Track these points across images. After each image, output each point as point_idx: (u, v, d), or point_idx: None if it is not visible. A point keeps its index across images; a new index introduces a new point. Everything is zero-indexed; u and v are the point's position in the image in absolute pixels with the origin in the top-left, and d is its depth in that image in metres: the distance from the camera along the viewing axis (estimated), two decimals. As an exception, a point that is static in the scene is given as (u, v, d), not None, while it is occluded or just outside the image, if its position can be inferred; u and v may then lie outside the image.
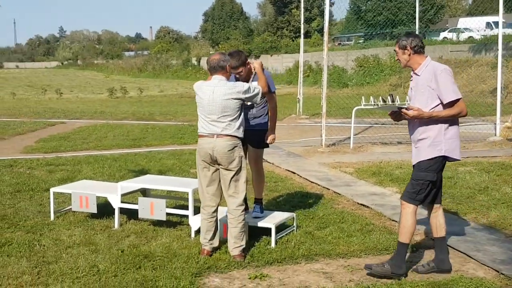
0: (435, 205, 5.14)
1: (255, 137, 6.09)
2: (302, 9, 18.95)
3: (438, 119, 4.86)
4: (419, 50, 4.99)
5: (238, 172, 5.38)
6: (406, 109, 4.93)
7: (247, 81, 5.83)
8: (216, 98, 5.34)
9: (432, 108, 4.87)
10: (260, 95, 5.55)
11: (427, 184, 4.89)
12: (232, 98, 5.32)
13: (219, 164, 5.37)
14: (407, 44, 5.00)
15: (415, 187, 4.93)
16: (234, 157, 5.35)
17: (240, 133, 5.42)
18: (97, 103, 26.42)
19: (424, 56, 5.02)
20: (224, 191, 5.46)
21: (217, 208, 5.54)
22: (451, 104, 4.82)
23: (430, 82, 4.88)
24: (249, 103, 5.72)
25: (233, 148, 5.33)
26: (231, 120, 5.34)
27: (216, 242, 5.55)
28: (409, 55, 5.01)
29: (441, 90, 4.83)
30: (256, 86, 5.53)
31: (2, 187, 8.28)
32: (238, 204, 5.40)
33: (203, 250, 5.49)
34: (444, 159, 4.94)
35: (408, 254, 5.17)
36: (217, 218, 5.57)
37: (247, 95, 5.41)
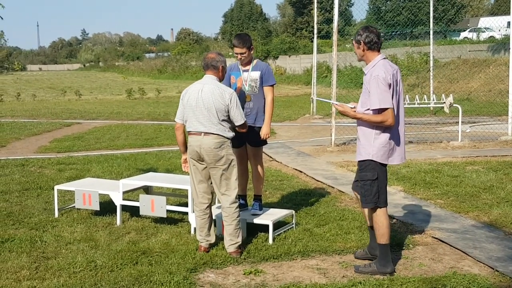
0: None
1: (253, 135, 6.12)
2: (316, 12, 18.94)
3: (369, 123, 4.88)
4: (372, 46, 4.94)
5: (226, 169, 5.39)
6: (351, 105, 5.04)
7: (249, 64, 6.07)
8: (203, 96, 5.36)
9: (366, 110, 4.89)
10: (238, 124, 5.47)
11: (370, 183, 4.91)
12: (220, 102, 5.34)
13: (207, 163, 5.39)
14: (361, 39, 4.97)
15: (362, 189, 4.99)
16: (221, 155, 5.34)
17: (228, 134, 5.42)
18: (115, 104, 26.66)
19: (376, 54, 4.96)
20: (216, 190, 5.50)
21: (209, 205, 5.59)
22: (379, 111, 4.80)
23: (368, 85, 4.88)
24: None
25: (220, 146, 5.34)
26: (220, 121, 5.34)
27: (212, 238, 5.60)
28: (363, 50, 4.99)
29: (370, 96, 4.85)
30: (241, 118, 5.45)
31: (12, 185, 8.44)
32: (231, 202, 5.43)
33: (200, 246, 5.54)
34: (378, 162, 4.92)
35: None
36: (211, 215, 5.62)
37: (230, 113, 5.39)
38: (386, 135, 4.88)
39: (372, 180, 4.91)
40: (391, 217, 6.64)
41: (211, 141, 5.33)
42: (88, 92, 35.89)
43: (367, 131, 4.91)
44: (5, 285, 4.70)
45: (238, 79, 6.13)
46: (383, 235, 4.94)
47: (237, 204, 5.49)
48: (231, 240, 5.43)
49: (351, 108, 4.99)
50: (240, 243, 5.47)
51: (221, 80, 5.57)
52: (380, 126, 4.86)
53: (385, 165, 4.99)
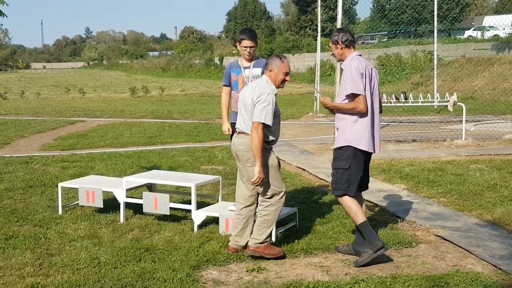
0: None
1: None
2: (319, 10, 18.92)
3: (343, 110, 5.19)
4: (349, 44, 5.30)
5: (254, 172, 5.12)
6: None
7: (250, 61, 6.13)
8: (243, 92, 5.29)
9: (343, 100, 5.19)
10: (253, 120, 5.10)
11: (342, 172, 5.17)
12: (250, 98, 5.16)
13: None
14: (338, 39, 5.31)
15: (333, 177, 5.29)
16: (248, 156, 5.18)
17: None
18: (118, 102, 26.72)
19: (352, 50, 5.32)
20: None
21: (247, 207, 5.40)
22: (352, 97, 5.12)
23: (344, 76, 5.23)
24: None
25: (249, 146, 5.13)
26: (250, 118, 5.14)
27: (241, 241, 5.39)
28: (341, 49, 5.32)
29: (343, 84, 5.19)
30: (260, 116, 5.03)
31: (16, 183, 8.47)
32: (261, 201, 5.29)
33: (228, 245, 5.45)
34: (358, 150, 5.16)
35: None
36: (248, 217, 5.41)
37: (254, 109, 5.07)
38: (363, 122, 5.15)
39: (344, 169, 5.16)
40: (395, 216, 6.66)
41: (239, 140, 5.24)
42: (92, 90, 35.97)
43: (345, 119, 5.19)
44: (9, 282, 4.71)
45: (239, 76, 6.14)
46: (356, 215, 5.17)
47: (267, 203, 5.25)
48: (252, 235, 5.29)
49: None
50: (260, 241, 5.21)
51: (275, 83, 5.27)
52: (355, 114, 5.14)
53: (362, 155, 5.21)
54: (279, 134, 5.40)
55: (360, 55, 5.30)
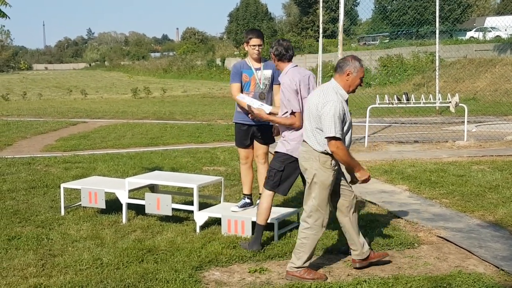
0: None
1: (261, 133, 6.16)
2: (321, 11, 18.91)
3: (281, 125, 5.48)
4: (282, 58, 5.50)
5: (309, 184, 4.89)
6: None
7: (259, 61, 6.17)
8: (309, 98, 4.95)
9: (284, 114, 5.40)
10: (325, 135, 4.69)
11: (275, 172, 5.43)
12: (315, 105, 4.76)
13: None
14: (271, 51, 5.53)
15: (269, 173, 5.55)
16: (305, 166, 4.89)
17: (318, 147, 4.77)
18: (120, 103, 26.74)
19: (287, 63, 5.50)
20: None
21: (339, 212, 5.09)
22: (292, 113, 5.33)
23: (280, 93, 5.49)
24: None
25: (307, 157, 4.85)
26: (313, 128, 4.79)
27: (356, 248, 5.03)
28: (275, 61, 5.57)
29: (280, 98, 5.45)
30: (330, 130, 4.61)
31: (18, 184, 8.49)
32: (303, 218, 4.94)
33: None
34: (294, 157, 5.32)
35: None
36: (346, 225, 5.06)
37: (321, 120, 4.69)
38: (298, 132, 5.33)
39: (278, 170, 5.43)
40: (397, 217, 6.66)
41: (301, 149, 4.97)
42: (94, 91, 36.02)
43: (286, 129, 5.45)
44: (12, 282, 4.73)
45: (252, 77, 6.14)
46: (260, 215, 5.50)
47: (307, 225, 4.88)
48: (291, 259, 4.93)
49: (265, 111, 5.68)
50: (296, 266, 4.83)
51: (345, 88, 4.83)
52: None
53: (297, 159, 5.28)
54: (351, 142, 5.00)
55: (296, 66, 5.50)
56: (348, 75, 4.78)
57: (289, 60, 5.52)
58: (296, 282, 4.74)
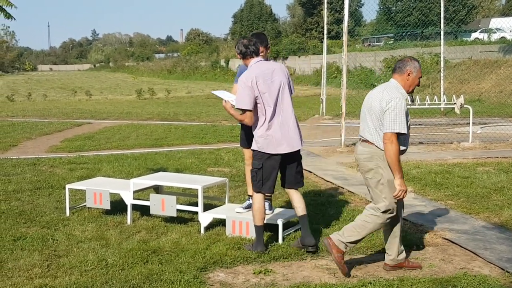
0: (288, 190, 5.69)
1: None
2: (326, 12, 18.92)
3: (236, 119, 5.58)
4: (244, 55, 5.54)
5: (373, 185, 4.88)
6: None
7: None
8: (369, 96, 4.89)
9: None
10: (384, 130, 4.69)
11: (256, 171, 5.47)
12: (377, 102, 4.75)
13: None
14: (236, 50, 5.61)
15: (251, 173, 5.56)
16: (369, 167, 4.84)
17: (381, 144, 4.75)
18: (125, 104, 26.78)
19: (250, 59, 5.52)
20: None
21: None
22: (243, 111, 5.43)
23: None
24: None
25: (370, 157, 4.82)
26: (375, 126, 4.76)
27: (391, 253, 5.04)
28: (240, 58, 5.64)
29: None
30: (392, 126, 4.63)
31: (23, 184, 8.51)
32: (372, 207, 4.92)
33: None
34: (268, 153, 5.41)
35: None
36: (391, 229, 5.06)
37: (384, 117, 4.68)
38: (263, 129, 5.39)
39: (257, 168, 5.46)
40: (402, 218, 6.63)
41: (362, 149, 4.89)
42: (98, 92, 36.07)
43: (255, 126, 5.49)
44: (17, 283, 4.74)
45: None
46: (254, 216, 5.49)
47: (377, 214, 4.87)
48: (343, 231, 4.93)
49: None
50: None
51: (406, 87, 4.84)
52: (257, 121, 5.42)
53: (277, 157, 5.42)
54: (407, 146, 4.95)
55: (261, 61, 5.49)
56: (408, 75, 4.81)
57: (252, 55, 5.52)
58: (298, 282, 4.74)
